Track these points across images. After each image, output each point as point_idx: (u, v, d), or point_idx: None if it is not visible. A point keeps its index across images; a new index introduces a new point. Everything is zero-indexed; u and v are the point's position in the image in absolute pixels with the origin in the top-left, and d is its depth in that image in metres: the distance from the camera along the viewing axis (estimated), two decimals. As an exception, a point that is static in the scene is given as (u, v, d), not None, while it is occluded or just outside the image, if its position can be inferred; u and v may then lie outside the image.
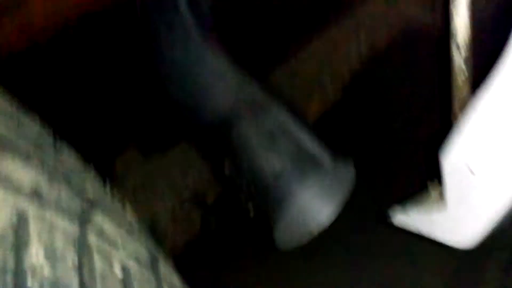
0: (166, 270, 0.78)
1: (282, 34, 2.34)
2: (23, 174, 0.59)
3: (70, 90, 2.26)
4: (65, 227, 0.59)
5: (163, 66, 1.55)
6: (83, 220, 0.63)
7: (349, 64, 2.09)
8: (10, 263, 0.47)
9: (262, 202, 1.32)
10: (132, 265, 0.65)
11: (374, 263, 1.69)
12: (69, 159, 0.78)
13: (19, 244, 0.50)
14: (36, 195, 0.58)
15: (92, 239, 0.61)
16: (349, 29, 2.16)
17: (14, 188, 0.55)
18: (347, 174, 1.42)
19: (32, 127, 0.77)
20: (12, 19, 1.57)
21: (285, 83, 1.99)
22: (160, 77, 1.58)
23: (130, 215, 0.85)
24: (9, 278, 0.47)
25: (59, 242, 0.55)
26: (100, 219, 0.67)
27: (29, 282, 0.48)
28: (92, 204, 0.69)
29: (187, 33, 1.51)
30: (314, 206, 1.48)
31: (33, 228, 0.53)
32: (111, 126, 2.17)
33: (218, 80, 1.44)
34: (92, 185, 0.77)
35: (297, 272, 1.94)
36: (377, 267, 1.68)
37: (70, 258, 0.55)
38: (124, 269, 0.62)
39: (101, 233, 0.64)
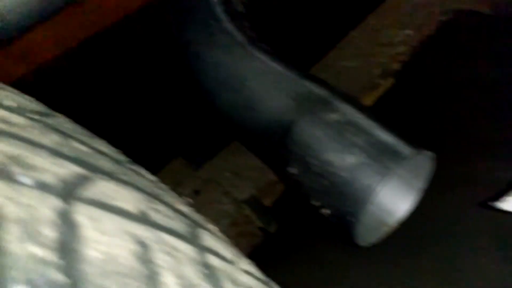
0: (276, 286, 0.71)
1: (321, 29, 2.28)
2: (125, 196, 0.51)
3: (115, 101, 2.23)
4: (185, 249, 0.51)
5: (207, 77, 1.47)
6: (194, 239, 0.56)
7: (397, 52, 1.99)
8: None
9: (337, 199, 1.23)
10: (254, 284, 0.57)
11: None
12: (147, 175, 0.72)
13: (151, 277, 0.42)
14: (144, 217, 0.50)
15: (213, 260, 0.54)
16: (391, 16, 2.07)
17: (124, 213, 0.48)
18: (426, 161, 1.33)
19: (105, 145, 0.70)
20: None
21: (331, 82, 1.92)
22: (205, 88, 1.50)
23: (221, 233, 0.79)
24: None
25: (188, 268, 0.47)
26: (207, 238, 0.60)
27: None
28: (194, 223, 0.62)
29: (228, 36, 1.44)
30: (394, 197, 1.40)
31: (158, 255, 0.45)
32: (157, 137, 2.14)
33: (272, 80, 1.37)
34: (180, 201, 0.71)
35: (359, 271, 1.87)
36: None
37: (203, 286, 0.46)
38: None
39: (216, 253, 0.57)
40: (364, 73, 1.92)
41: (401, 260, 1.94)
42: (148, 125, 2.18)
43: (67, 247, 0.37)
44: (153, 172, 1.88)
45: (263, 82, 1.37)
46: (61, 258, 0.36)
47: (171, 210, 0.60)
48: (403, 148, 1.21)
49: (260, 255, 1.76)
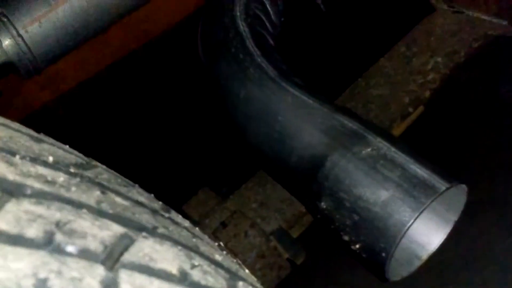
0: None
1: (350, 56, 2.28)
2: (164, 256, 0.51)
3: (141, 129, 2.25)
4: None
5: (238, 111, 1.48)
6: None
7: (427, 80, 1.97)
8: None
9: (369, 234, 1.21)
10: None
11: None
12: (182, 222, 0.72)
13: None
14: (185, 278, 0.50)
15: None
16: (422, 43, 2.05)
17: (165, 276, 0.48)
18: (459, 193, 1.31)
19: (140, 191, 0.70)
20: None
21: (360, 110, 1.91)
22: (236, 122, 1.50)
23: (251, 275, 0.78)
24: None
25: None
26: None
27: None
28: (230, 274, 0.62)
29: (260, 71, 1.44)
30: (427, 230, 1.38)
31: None
32: (184, 167, 2.14)
33: (304, 115, 1.36)
34: (215, 249, 0.70)
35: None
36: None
37: None
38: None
39: None
40: (394, 101, 1.91)
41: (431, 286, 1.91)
42: (175, 155, 2.19)
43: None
44: (181, 202, 1.89)
45: (295, 117, 1.36)
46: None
47: (209, 263, 0.60)
48: (437, 182, 1.19)
49: (288, 287, 1.75)
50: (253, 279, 0.73)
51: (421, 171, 1.21)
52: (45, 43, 1.34)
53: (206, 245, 0.68)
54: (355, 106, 1.94)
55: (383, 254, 1.20)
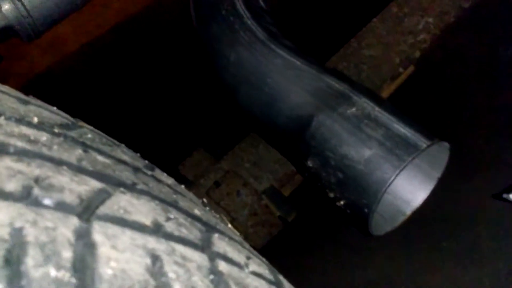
0: (288, 284, 0.74)
1: (342, 17, 2.28)
2: (140, 209, 0.55)
3: (138, 92, 2.28)
4: (195, 258, 0.55)
5: (228, 73, 1.50)
6: (206, 246, 0.59)
7: (417, 40, 1.98)
8: None
9: (353, 190, 1.26)
10: (263, 285, 0.60)
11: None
12: (165, 180, 0.75)
13: (162, 287, 0.45)
14: (158, 229, 0.54)
15: (222, 266, 0.57)
16: (413, 3, 2.05)
17: (139, 227, 0.51)
18: (442, 151, 1.35)
19: (125, 152, 0.74)
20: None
21: (352, 71, 1.93)
22: (226, 84, 1.53)
23: (234, 230, 0.82)
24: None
25: (197, 278, 0.51)
26: (219, 242, 0.63)
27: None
28: (206, 226, 0.65)
29: (250, 33, 1.46)
30: (411, 186, 1.42)
31: (169, 267, 0.49)
32: (179, 129, 2.18)
33: (292, 76, 1.39)
34: (196, 204, 0.74)
35: (381, 254, 1.91)
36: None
37: None
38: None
39: (226, 258, 0.60)
40: (385, 62, 1.93)
41: (423, 243, 1.97)
42: (170, 117, 2.22)
43: (83, 266, 0.41)
44: (176, 163, 1.94)
45: (284, 78, 1.39)
46: (77, 277, 0.39)
47: (186, 217, 0.64)
48: (419, 140, 1.23)
49: (279, 243, 1.80)
50: (233, 233, 0.77)
51: (403, 130, 1.24)
52: (44, 7, 1.36)
53: (187, 201, 0.72)
54: (347, 66, 1.96)
55: (366, 210, 1.25)
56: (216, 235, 0.65)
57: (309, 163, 1.34)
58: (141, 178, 0.66)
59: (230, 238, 0.70)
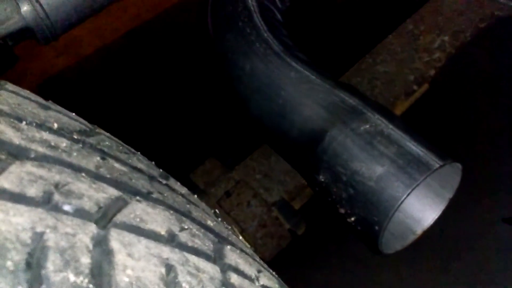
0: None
1: (358, 32, 2.29)
2: (155, 218, 0.56)
3: (152, 98, 2.30)
4: (208, 269, 0.55)
5: (242, 84, 1.51)
6: (219, 257, 0.60)
7: (432, 58, 1.98)
8: None
9: (363, 207, 1.26)
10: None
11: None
12: (179, 189, 0.76)
13: None
14: (172, 239, 0.55)
15: (234, 279, 0.58)
16: (429, 21, 2.06)
17: (154, 236, 0.52)
18: (454, 172, 1.34)
19: (141, 160, 0.75)
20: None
21: (365, 86, 1.94)
22: (239, 94, 1.54)
23: (245, 242, 0.82)
24: None
25: (207, 281, 0.51)
26: (231, 254, 0.64)
27: None
28: (219, 238, 0.66)
29: (265, 45, 1.47)
30: (422, 206, 1.42)
31: (182, 277, 0.50)
32: (192, 138, 2.19)
33: (306, 90, 1.39)
34: (208, 215, 0.75)
35: (390, 273, 1.91)
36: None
37: None
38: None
39: (237, 270, 0.61)
40: (399, 79, 1.93)
41: (431, 263, 1.97)
42: (184, 124, 2.24)
43: (101, 272, 0.42)
44: (188, 171, 1.95)
45: (297, 91, 1.40)
46: (94, 284, 0.40)
47: (199, 228, 0.65)
48: (431, 159, 1.22)
49: (288, 256, 1.80)
50: (244, 245, 0.77)
51: (416, 149, 1.24)
52: (63, 10, 1.38)
53: (200, 211, 0.73)
54: (360, 81, 1.97)
55: (376, 228, 1.25)
56: (228, 247, 0.66)
57: (320, 178, 1.34)
58: (156, 187, 0.67)
59: (242, 250, 0.71)
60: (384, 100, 1.87)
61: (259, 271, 0.67)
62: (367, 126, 1.28)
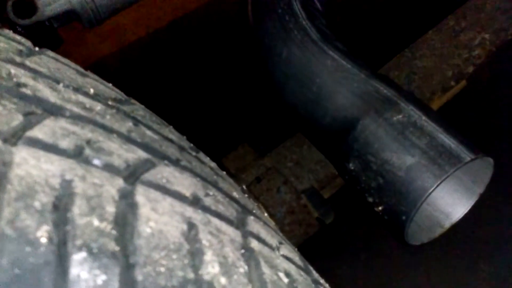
0: (316, 273, 0.75)
1: (398, 27, 2.27)
2: (181, 182, 0.57)
3: (191, 85, 2.33)
4: (229, 232, 0.57)
5: (278, 70, 1.52)
6: (241, 225, 0.62)
7: (472, 55, 1.96)
8: (190, 274, 0.45)
9: (392, 197, 1.26)
10: (292, 269, 0.62)
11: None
12: (208, 163, 0.78)
13: (195, 254, 0.48)
14: (197, 202, 0.56)
15: (254, 244, 0.59)
16: (471, 18, 2.03)
17: (179, 197, 0.54)
18: (485, 166, 1.33)
19: (172, 132, 0.77)
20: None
21: (403, 80, 1.92)
22: (275, 81, 1.55)
23: (269, 218, 0.84)
24: (190, 289, 0.44)
25: (228, 249, 0.53)
26: (254, 223, 0.66)
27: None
28: (243, 208, 0.68)
29: (303, 33, 1.48)
30: (449, 200, 1.41)
31: (203, 235, 0.51)
32: (226, 123, 2.22)
33: (341, 78, 1.40)
34: (235, 188, 0.76)
35: (417, 270, 1.90)
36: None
37: (241, 266, 0.52)
38: (287, 274, 0.60)
39: (259, 238, 0.62)
40: (437, 74, 1.91)
41: (460, 263, 1.95)
42: (219, 110, 2.26)
43: (125, 221, 0.44)
44: (220, 156, 1.97)
45: (332, 79, 1.40)
46: (117, 230, 0.42)
47: (224, 196, 0.66)
48: (463, 152, 1.22)
49: (315, 247, 1.81)
50: (267, 219, 0.79)
51: (448, 141, 1.24)
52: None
53: (227, 184, 0.75)
54: (398, 75, 1.96)
55: (404, 217, 1.25)
56: (251, 218, 0.67)
57: (350, 166, 1.34)
58: (185, 156, 0.69)
59: (265, 223, 0.72)
60: (421, 94, 1.86)
61: (280, 243, 0.68)
62: (400, 116, 1.28)
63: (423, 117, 1.28)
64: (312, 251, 1.79)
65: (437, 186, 1.20)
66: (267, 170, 1.81)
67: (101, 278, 0.38)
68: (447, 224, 1.44)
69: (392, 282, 1.94)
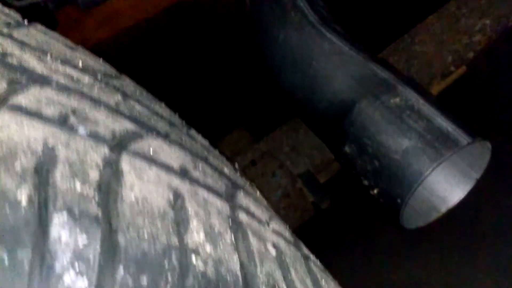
0: (307, 249, 0.75)
1: (396, 12, 2.26)
2: (169, 154, 0.57)
3: (188, 69, 2.32)
4: (217, 204, 0.56)
5: (275, 53, 1.51)
6: (230, 198, 0.61)
7: (472, 41, 1.94)
8: (174, 241, 0.45)
9: (387, 180, 1.25)
10: (281, 242, 0.62)
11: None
12: (200, 139, 0.77)
13: (180, 222, 0.48)
14: (184, 173, 0.56)
15: (243, 216, 0.59)
16: (472, 4, 2.01)
17: (166, 167, 0.53)
18: (482, 151, 1.32)
19: (164, 108, 0.76)
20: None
21: (402, 65, 1.91)
22: (272, 65, 1.54)
23: (261, 196, 0.83)
24: (174, 255, 0.44)
25: (215, 220, 0.53)
26: (243, 198, 0.65)
27: (194, 260, 0.45)
28: (233, 184, 0.67)
29: (301, 15, 1.46)
30: (445, 184, 1.40)
31: (190, 205, 0.51)
32: (223, 106, 2.21)
33: (338, 61, 1.39)
34: (226, 165, 0.75)
35: (413, 258, 1.89)
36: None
37: (228, 236, 0.52)
38: (275, 247, 0.59)
39: (248, 211, 0.62)
40: (436, 59, 1.90)
41: (458, 254, 1.94)
42: (216, 94, 2.25)
43: (108, 187, 0.43)
44: (216, 139, 1.96)
45: (330, 62, 1.39)
46: (100, 195, 0.42)
47: (214, 171, 0.66)
48: (460, 136, 1.21)
49: (310, 229, 1.81)
50: (259, 196, 0.78)
51: (446, 125, 1.23)
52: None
53: (219, 160, 0.74)
54: (397, 60, 1.95)
55: (399, 200, 1.24)
56: (241, 193, 0.67)
57: (346, 149, 1.34)
58: (175, 131, 0.68)
59: (256, 199, 0.72)
60: (420, 80, 1.85)
61: (270, 218, 0.67)
62: (398, 99, 1.27)
63: (421, 101, 1.27)
64: (307, 241, 1.79)
65: (433, 169, 1.19)
66: (262, 154, 1.81)
67: (82, 241, 0.38)
68: (444, 209, 1.43)
69: (388, 273, 1.94)
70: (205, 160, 0.67)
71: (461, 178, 1.42)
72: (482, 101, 1.92)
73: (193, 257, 0.45)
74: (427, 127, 1.23)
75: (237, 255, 0.50)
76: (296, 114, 1.74)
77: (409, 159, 1.21)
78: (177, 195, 0.50)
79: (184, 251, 0.44)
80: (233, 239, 0.52)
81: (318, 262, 0.74)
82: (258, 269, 0.51)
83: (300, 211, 1.73)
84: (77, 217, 0.39)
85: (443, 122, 1.23)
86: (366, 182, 1.32)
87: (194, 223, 0.48)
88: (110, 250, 0.39)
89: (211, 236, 0.49)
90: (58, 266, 0.37)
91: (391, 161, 1.24)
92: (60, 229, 0.37)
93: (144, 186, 0.46)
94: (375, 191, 1.30)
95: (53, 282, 0.36)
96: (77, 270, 0.37)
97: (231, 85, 2.27)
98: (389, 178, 1.25)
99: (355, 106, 1.31)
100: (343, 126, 1.33)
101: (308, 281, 0.61)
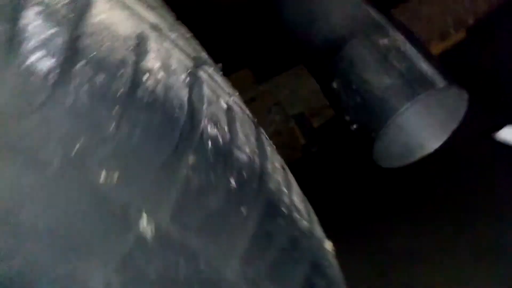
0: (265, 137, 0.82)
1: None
2: (147, 13, 0.64)
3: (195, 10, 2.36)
4: (181, 58, 0.64)
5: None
6: (196, 61, 0.68)
7: (475, 7, 1.99)
8: (131, 59, 0.53)
9: (366, 115, 1.34)
10: (235, 106, 0.70)
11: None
12: (184, 28, 0.83)
13: (139, 50, 0.55)
14: (155, 26, 0.63)
15: (203, 75, 0.66)
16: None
17: (139, 16, 0.60)
18: (459, 99, 1.39)
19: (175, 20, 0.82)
20: None
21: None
22: (274, 2, 1.61)
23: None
24: (128, 70, 0.52)
25: (174, 63, 0.60)
26: (210, 69, 0.72)
27: (145, 78, 0.53)
28: (204, 59, 0.74)
29: None
30: (422, 131, 1.47)
31: (153, 45, 0.58)
32: (230, 46, 2.26)
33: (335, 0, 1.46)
34: (203, 50, 0.82)
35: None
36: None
37: (182, 76, 0.60)
38: (228, 105, 0.68)
39: (210, 76, 0.70)
40: (436, 21, 1.95)
41: (443, 231, 1.98)
42: (223, 34, 2.31)
43: (77, 10, 0.51)
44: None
45: (328, 0, 1.47)
46: (71, 7, 0.50)
47: (189, 44, 0.73)
48: (438, 79, 1.28)
49: (297, 169, 1.88)
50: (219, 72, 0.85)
51: (426, 67, 1.30)
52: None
53: (195, 41, 0.81)
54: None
55: (373, 134, 1.33)
56: (211, 67, 0.75)
57: (334, 85, 1.42)
58: (159, 5, 0.76)
59: (223, 80, 0.80)
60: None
61: (234, 95, 0.76)
62: (386, 40, 1.35)
63: (408, 44, 1.34)
64: (294, 174, 1.87)
65: (408, 108, 1.27)
66: (262, 93, 1.88)
67: (51, 31, 0.47)
68: (418, 155, 1.51)
69: (373, 254, 1.97)
70: (183, 35, 0.75)
71: (438, 127, 1.49)
72: (478, 67, 1.97)
73: (145, 76, 0.54)
74: (409, 68, 1.30)
75: (187, 90, 0.59)
76: (294, 53, 1.81)
77: (387, 96, 1.29)
78: (143, 34, 0.58)
79: (138, 69, 0.53)
80: (188, 82, 0.60)
81: (269, 141, 0.82)
82: (205, 106, 0.60)
83: (289, 150, 1.82)
84: (51, 11, 0.47)
85: (424, 65, 1.31)
86: (347, 117, 1.41)
87: (152, 55, 0.56)
88: (73, 47, 0.48)
89: (166, 69, 0.57)
90: (28, 46, 0.46)
91: (371, 97, 1.32)
92: (34, 16, 0.46)
93: (114, 16, 0.55)
94: (355, 126, 1.39)
95: (21, 60, 0.45)
96: (45, 53, 0.46)
97: (240, 27, 2.32)
98: (367, 113, 1.33)
99: (346, 43, 1.39)
100: (334, 62, 1.41)
101: (252, 139, 0.70)
